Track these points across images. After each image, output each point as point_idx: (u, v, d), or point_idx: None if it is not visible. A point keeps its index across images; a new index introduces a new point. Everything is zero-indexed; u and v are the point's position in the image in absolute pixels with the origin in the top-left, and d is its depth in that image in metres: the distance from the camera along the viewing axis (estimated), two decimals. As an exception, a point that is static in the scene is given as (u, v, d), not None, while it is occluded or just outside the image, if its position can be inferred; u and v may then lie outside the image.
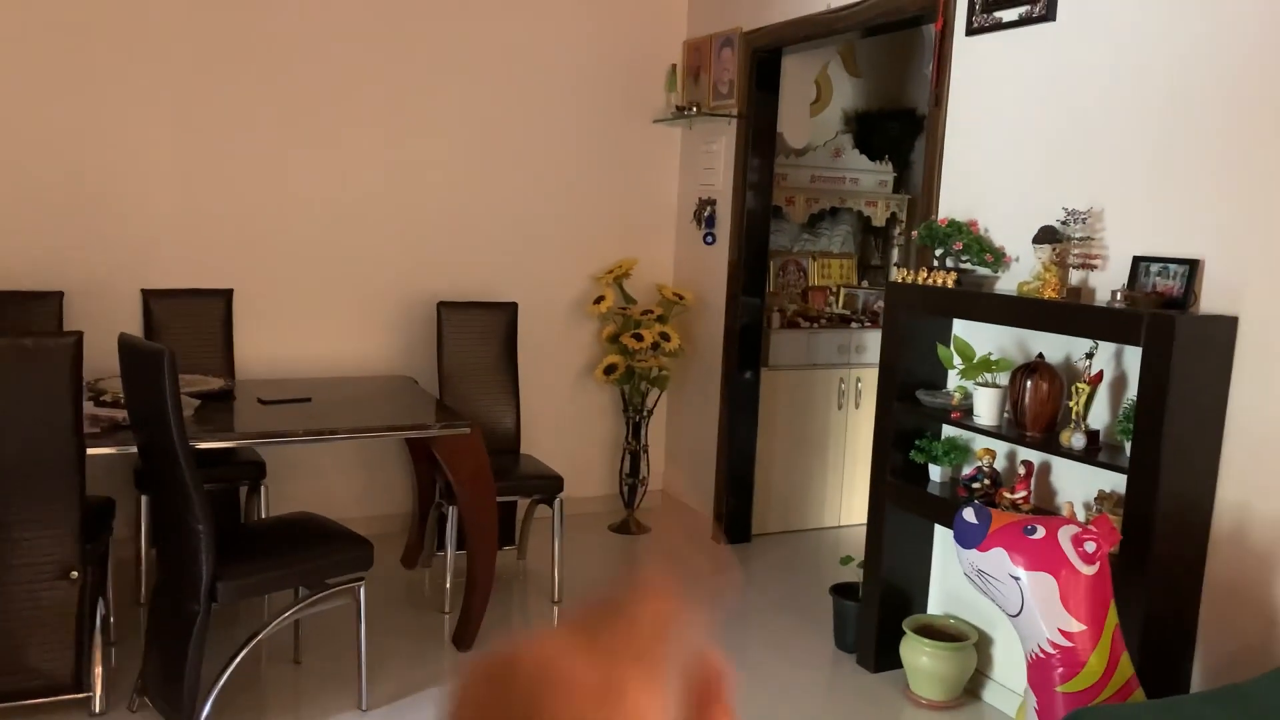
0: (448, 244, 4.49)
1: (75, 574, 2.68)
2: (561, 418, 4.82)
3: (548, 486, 3.84)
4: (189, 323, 3.90)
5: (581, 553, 4.36)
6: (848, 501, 4.89)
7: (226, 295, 4.01)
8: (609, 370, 4.58)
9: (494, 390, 4.15)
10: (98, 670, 2.80)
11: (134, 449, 2.84)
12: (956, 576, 3.25)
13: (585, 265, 4.80)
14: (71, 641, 2.71)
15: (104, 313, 3.82)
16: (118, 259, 3.93)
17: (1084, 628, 2.24)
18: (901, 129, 5.35)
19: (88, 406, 2.84)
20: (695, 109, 4.62)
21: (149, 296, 3.88)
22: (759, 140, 4.47)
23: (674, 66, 4.78)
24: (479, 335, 4.17)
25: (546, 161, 4.66)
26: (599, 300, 4.64)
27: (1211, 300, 2.50)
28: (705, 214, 4.73)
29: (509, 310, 4.22)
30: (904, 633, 3.19)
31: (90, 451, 2.70)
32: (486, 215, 4.56)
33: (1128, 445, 2.52)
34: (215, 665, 2.72)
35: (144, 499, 3.55)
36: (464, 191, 4.51)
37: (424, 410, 3.61)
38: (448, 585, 3.71)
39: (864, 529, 3.41)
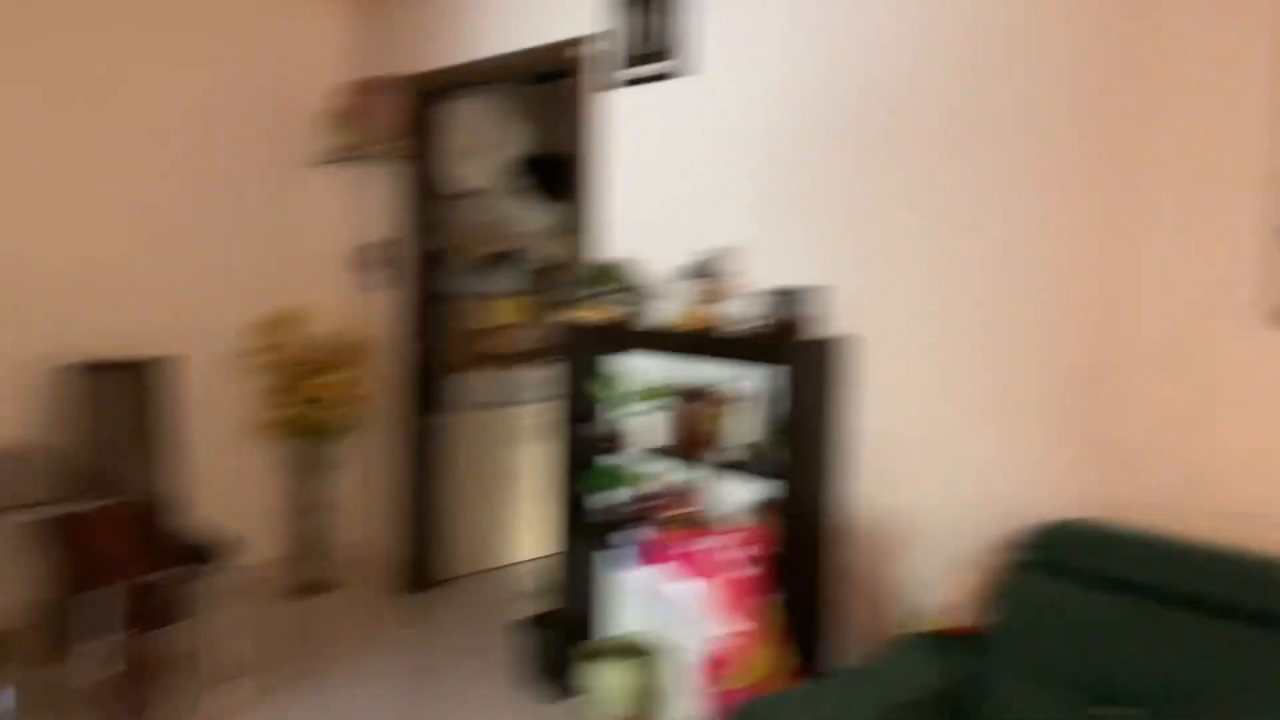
0: (84, 300, 4.06)
1: None
2: (230, 478, 4.51)
3: (215, 554, 3.57)
4: None
5: (259, 620, 4.09)
6: (530, 537, 4.98)
7: None
8: (279, 424, 4.35)
9: (147, 455, 3.81)
10: None
11: None
12: (628, 598, 3.41)
13: (247, 315, 4.54)
14: None
15: None
16: None
17: (746, 627, 2.46)
18: (566, 173, 5.57)
19: None
20: (357, 153, 4.55)
21: None
22: (425, 184, 4.49)
23: (334, 109, 4.69)
24: (127, 396, 3.81)
25: (195, 210, 4.36)
26: (264, 351, 4.41)
27: (834, 324, 2.86)
28: (374, 258, 4.65)
29: (161, 367, 3.90)
30: (583, 659, 3.30)
31: None
32: (131, 268, 4.17)
33: (775, 456, 2.81)
34: None
35: None
36: (103, 243, 4.10)
37: (57, 484, 3.24)
38: (105, 676, 3.33)
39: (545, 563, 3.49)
